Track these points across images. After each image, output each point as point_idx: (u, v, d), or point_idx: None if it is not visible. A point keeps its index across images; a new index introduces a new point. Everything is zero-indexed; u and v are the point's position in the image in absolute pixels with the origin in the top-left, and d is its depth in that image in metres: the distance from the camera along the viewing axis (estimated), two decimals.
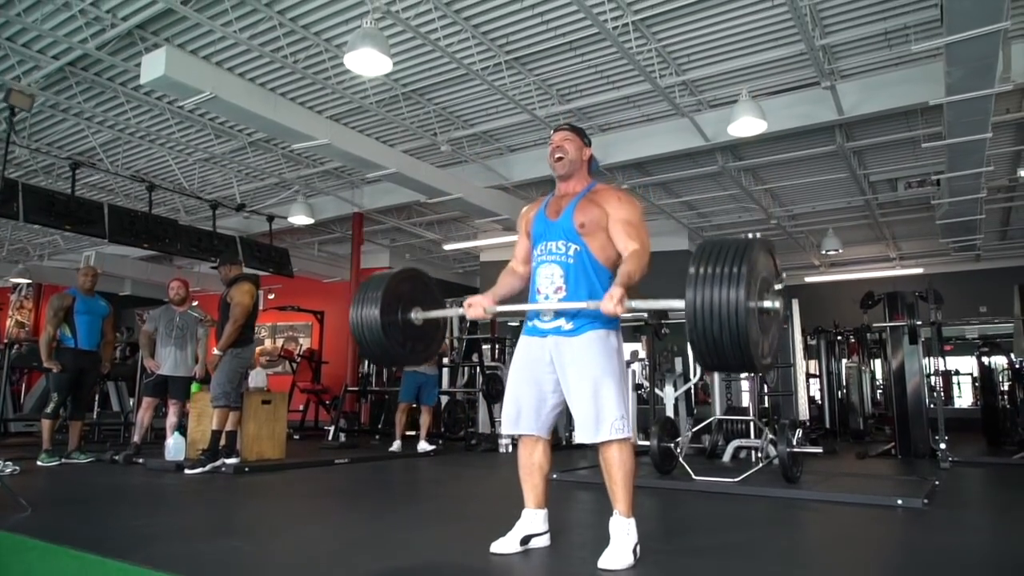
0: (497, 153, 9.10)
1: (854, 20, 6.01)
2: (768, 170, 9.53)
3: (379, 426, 8.90)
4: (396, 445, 6.91)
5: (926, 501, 3.75)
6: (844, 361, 10.37)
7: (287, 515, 3.66)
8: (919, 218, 11.45)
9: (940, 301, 6.43)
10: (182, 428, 5.82)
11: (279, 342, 14.28)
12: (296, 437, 8.67)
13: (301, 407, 11.54)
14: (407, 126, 7.89)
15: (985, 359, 8.71)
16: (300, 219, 9.59)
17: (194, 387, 5.96)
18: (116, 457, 5.67)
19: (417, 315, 2.83)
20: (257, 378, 5.98)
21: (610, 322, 2.50)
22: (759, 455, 4.77)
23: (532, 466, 2.62)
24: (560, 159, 2.63)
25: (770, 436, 4.67)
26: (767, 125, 6.55)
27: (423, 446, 6.90)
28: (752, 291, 1.95)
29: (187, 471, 4.94)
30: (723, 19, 6.00)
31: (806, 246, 13.13)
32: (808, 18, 5.63)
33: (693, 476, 4.54)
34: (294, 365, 11.93)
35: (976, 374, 11.02)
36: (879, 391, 10.73)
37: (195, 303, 6.35)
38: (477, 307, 2.67)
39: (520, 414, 2.58)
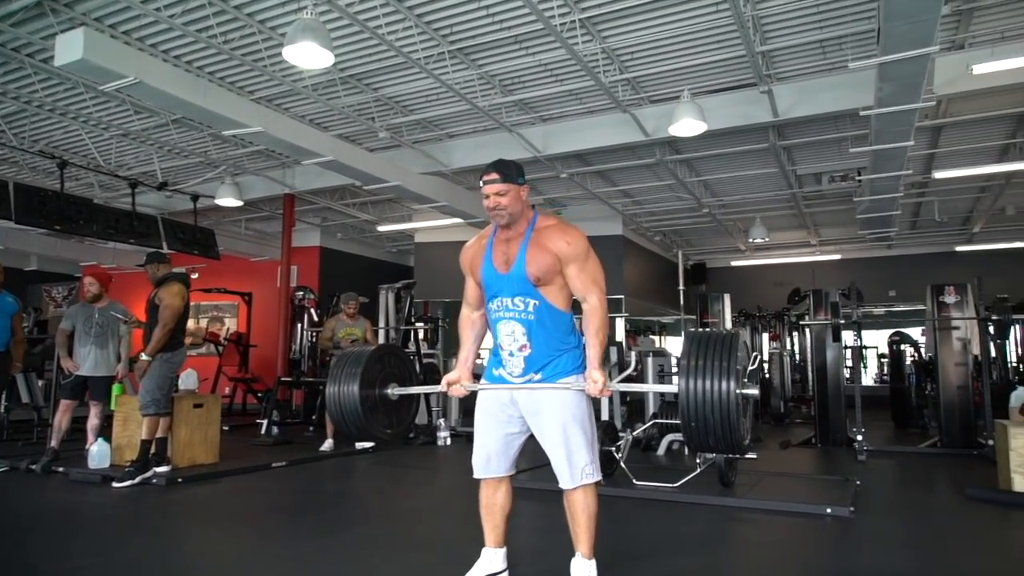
0: (436, 139, 8.93)
1: (792, 29, 6.14)
2: (702, 163, 9.74)
3: (313, 416, 8.70)
4: (328, 444, 6.71)
5: (852, 509, 3.99)
6: (767, 345, 10.83)
7: (227, 544, 3.53)
8: (839, 210, 12.00)
9: (861, 299, 6.77)
10: (105, 434, 5.53)
11: (203, 323, 13.74)
12: (225, 428, 8.39)
13: (227, 391, 11.22)
14: (344, 111, 7.61)
15: (895, 347, 9.27)
16: (228, 201, 9.17)
17: (116, 388, 5.66)
18: (33, 466, 5.35)
19: (394, 391, 2.82)
20: (188, 380, 5.72)
21: (578, 367, 2.51)
22: (699, 457, 4.92)
23: (494, 506, 2.62)
24: (500, 215, 2.52)
25: None
26: (707, 126, 6.65)
27: (359, 443, 6.79)
28: (739, 380, 2.04)
29: (115, 484, 4.71)
30: (668, 21, 6.01)
31: (733, 232, 13.55)
32: (750, 25, 5.72)
33: (634, 481, 4.66)
34: (220, 348, 11.53)
35: (883, 351, 11.74)
36: (797, 374, 11.27)
37: (117, 303, 5.97)
38: (458, 388, 2.64)
39: (489, 459, 2.57)
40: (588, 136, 8.26)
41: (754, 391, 2.16)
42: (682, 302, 11.42)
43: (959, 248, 13.48)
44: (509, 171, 2.55)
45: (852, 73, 6.85)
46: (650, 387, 2.18)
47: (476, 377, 2.69)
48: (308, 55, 4.98)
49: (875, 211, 9.42)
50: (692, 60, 6.66)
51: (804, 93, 7.12)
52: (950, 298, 6.64)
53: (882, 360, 12.94)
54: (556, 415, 2.44)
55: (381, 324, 9.30)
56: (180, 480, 4.91)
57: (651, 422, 5.49)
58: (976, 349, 6.63)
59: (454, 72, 6.74)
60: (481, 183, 2.57)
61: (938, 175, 8.63)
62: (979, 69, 5.69)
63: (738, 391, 2.08)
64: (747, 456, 4.97)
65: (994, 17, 5.86)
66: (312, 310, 10.09)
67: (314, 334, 9.84)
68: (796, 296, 7.97)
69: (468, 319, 2.74)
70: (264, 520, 4.17)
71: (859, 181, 9.75)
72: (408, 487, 5.27)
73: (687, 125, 6.56)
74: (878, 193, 8.50)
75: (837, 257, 14.33)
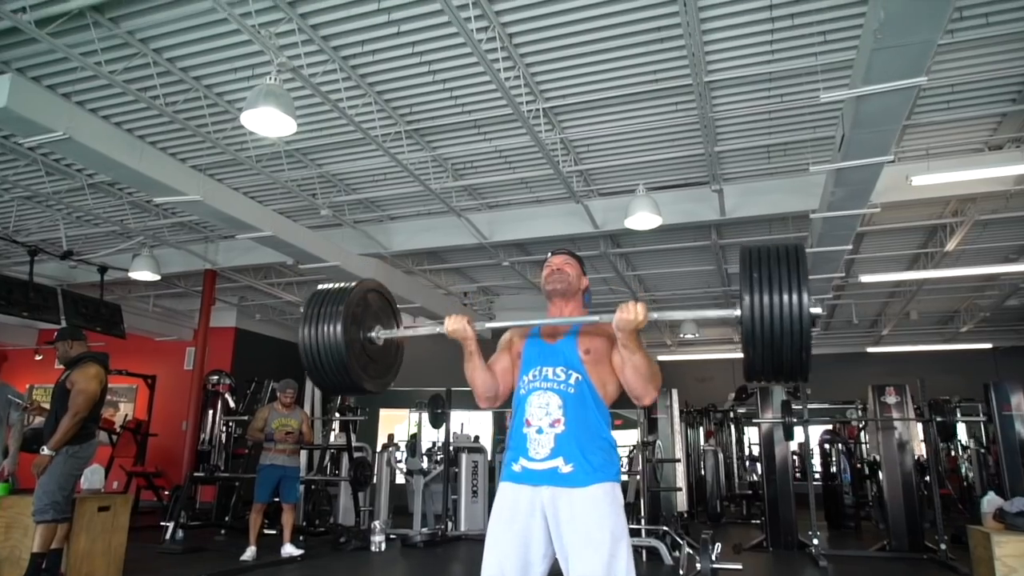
0: (377, 220, 8.63)
1: (743, 133, 6.39)
2: (640, 257, 9.87)
3: (226, 518, 7.74)
4: (249, 552, 5.87)
5: None
6: (702, 444, 10.76)
7: None
8: None
9: (806, 396, 6.80)
10: None
11: None
12: None
13: (115, 485, 9.97)
14: (287, 186, 7.23)
15: (827, 446, 9.39)
16: (143, 275, 8.40)
17: (1, 488, 4.78)
18: None
19: (379, 334, 2.42)
20: (93, 477, 4.91)
21: (615, 471, 2.19)
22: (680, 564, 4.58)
23: None
24: (559, 279, 2.38)
25: (688, 551, 4.53)
26: (662, 220, 6.70)
27: (288, 550, 6.01)
28: (809, 296, 1.92)
29: None
30: (628, 117, 6.11)
31: (661, 327, 13.75)
32: (710, 127, 5.88)
33: None
34: (114, 437, 10.31)
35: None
36: (734, 471, 11.22)
37: (9, 385, 5.16)
38: (459, 320, 2.34)
39: None
40: (535, 225, 8.20)
41: (820, 309, 2.03)
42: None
43: (870, 349, 14.17)
44: (579, 257, 2.49)
45: (792, 178, 7.21)
46: (703, 314, 2.07)
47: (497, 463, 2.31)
48: (268, 122, 4.65)
49: None
50: (646, 156, 6.80)
51: (748, 194, 7.37)
52: (891, 398, 6.78)
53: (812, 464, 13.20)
54: (598, 532, 2.06)
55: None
56: None
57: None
58: (920, 449, 6.73)
59: (409, 152, 6.56)
60: (549, 254, 2.47)
61: (865, 279, 9.05)
62: (917, 181, 6.04)
63: (811, 308, 1.89)
64: (732, 567, 4.72)
65: (923, 135, 6.32)
66: (228, 396, 9.23)
67: (230, 423, 8.96)
68: (743, 394, 7.96)
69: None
70: None
71: None
72: None
73: (642, 219, 6.59)
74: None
75: None
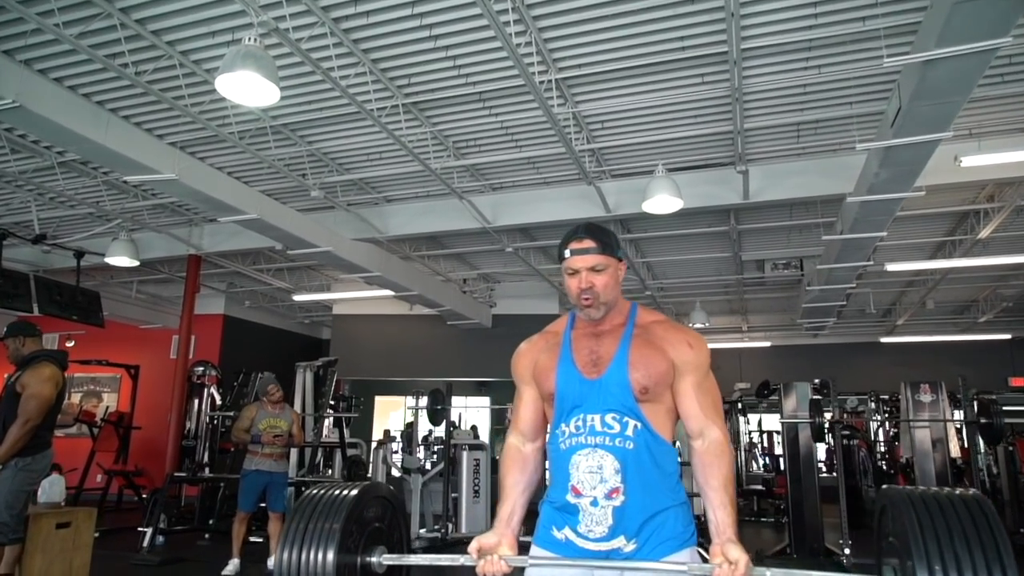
0: (372, 203, 8.07)
1: (772, 109, 5.85)
2: (652, 243, 9.34)
3: (210, 521, 7.24)
4: (232, 566, 5.35)
5: None
6: None
7: None
8: (775, 297, 11.95)
9: (836, 394, 6.32)
10: None
11: (76, 398, 11.84)
12: (95, 535, 6.83)
13: (99, 478, 9.48)
14: (274, 165, 6.65)
15: (848, 441, 8.92)
16: (120, 260, 7.83)
17: None
18: None
19: (382, 559, 1.86)
20: (52, 490, 4.39)
21: (693, 535, 1.68)
22: None
23: None
24: (590, 305, 1.74)
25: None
26: (683, 203, 6.16)
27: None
28: None
29: None
30: (648, 90, 5.56)
31: (669, 316, 13.24)
32: (739, 102, 5.33)
33: None
34: (94, 430, 9.82)
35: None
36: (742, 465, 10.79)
37: None
38: (496, 564, 1.66)
39: None
40: (541, 209, 7.65)
41: None
42: None
43: (883, 339, 13.72)
44: (607, 240, 1.77)
45: (822, 159, 6.67)
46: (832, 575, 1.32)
47: (523, 547, 1.79)
48: (247, 89, 4.09)
49: (823, 300, 9.26)
50: (666, 134, 6.24)
51: (773, 176, 6.83)
52: (926, 396, 6.31)
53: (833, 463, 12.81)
54: None
55: (297, 407, 8.07)
56: None
57: None
58: (955, 450, 6.26)
59: (407, 128, 5.98)
60: (567, 252, 1.76)
61: (891, 267, 8.55)
62: (968, 161, 5.51)
63: None
64: None
65: (971, 111, 5.76)
66: (213, 389, 8.71)
67: (216, 418, 8.44)
68: (765, 389, 7.48)
69: (518, 453, 1.85)
70: None
71: (801, 267, 9.68)
72: None
73: (661, 202, 6.05)
74: (833, 283, 8.30)
75: (766, 344, 14.28)
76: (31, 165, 6.91)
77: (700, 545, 1.70)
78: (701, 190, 6.93)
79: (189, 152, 6.41)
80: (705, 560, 1.60)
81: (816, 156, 6.63)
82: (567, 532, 1.67)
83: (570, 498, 1.66)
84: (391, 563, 1.89)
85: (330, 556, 1.79)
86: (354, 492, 1.90)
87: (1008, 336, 13.07)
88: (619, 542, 1.62)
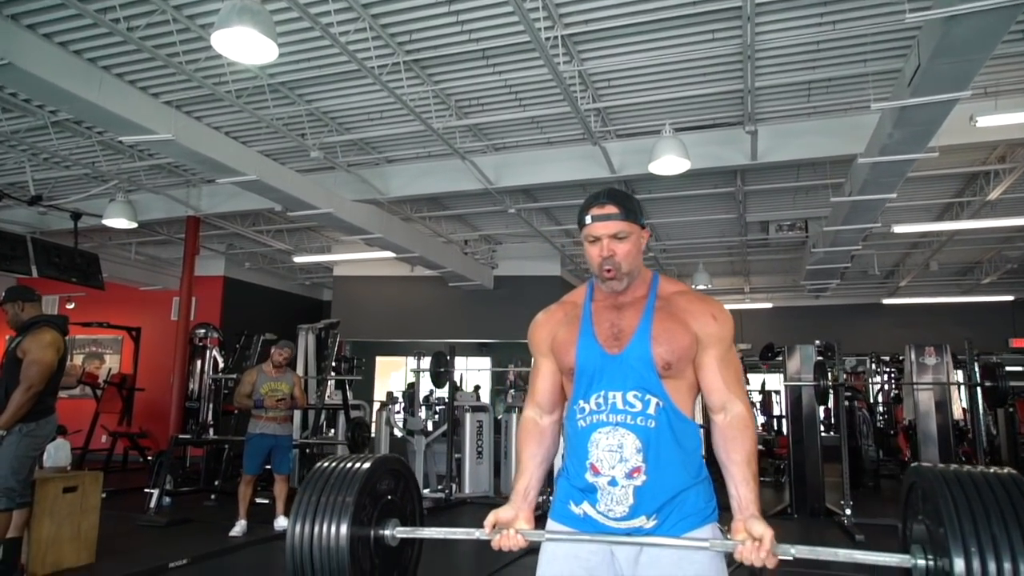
0: (373, 163, 7.93)
1: (782, 67, 5.69)
2: (656, 204, 9.22)
3: (216, 482, 7.29)
4: (240, 527, 5.42)
5: None
6: None
7: None
8: (778, 258, 11.88)
9: (840, 356, 6.30)
10: None
11: (78, 360, 11.85)
12: (102, 496, 6.90)
13: (104, 439, 9.55)
14: (272, 124, 6.50)
15: (849, 402, 8.96)
16: (118, 222, 7.72)
17: None
18: None
19: (395, 532, 1.81)
20: (58, 454, 4.39)
21: (714, 511, 1.65)
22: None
23: None
24: (612, 277, 1.65)
25: None
26: (690, 164, 6.04)
27: (282, 523, 5.53)
28: None
29: None
30: (656, 47, 5.39)
31: (670, 275, 13.18)
32: (750, 59, 5.18)
33: None
34: (98, 392, 9.84)
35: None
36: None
37: None
38: (513, 538, 1.63)
39: None
40: (545, 169, 7.51)
41: None
42: None
43: (885, 301, 13.69)
44: (631, 206, 1.67)
45: (832, 119, 6.53)
46: (864, 555, 1.25)
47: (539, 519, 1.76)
48: (244, 46, 3.95)
49: (827, 262, 9.19)
50: (673, 93, 6.09)
51: (781, 136, 6.70)
52: (930, 359, 6.29)
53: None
54: None
55: (300, 371, 8.06)
56: None
57: None
58: (957, 413, 6.27)
59: (409, 87, 5.82)
60: (588, 218, 1.66)
61: (898, 229, 8.45)
62: (984, 121, 5.37)
63: None
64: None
65: (987, 70, 5.60)
66: (215, 351, 8.69)
67: (219, 380, 8.44)
68: (769, 352, 7.47)
69: (534, 426, 1.80)
70: None
71: (806, 228, 9.59)
72: None
73: (668, 163, 5.93)
74: (839, 245, 8.22)
75: (768, 305, 14.26)
76: (23, 124, 6.76)
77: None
78: (708, 150, 6.80)
79: (185, 111, 6.25)
80: (727, 537, 1.57)
81: (827, 116, 6.48)
82: (585, 507, 1.64)
83: (588, 476, 1.62)
84: (404, 536, 1.86)
85: (343, 529, 1.76)
86: (367, 465, 1.86)
87: (1011, 298, 13.05)
88: (640, 521, 1.59)
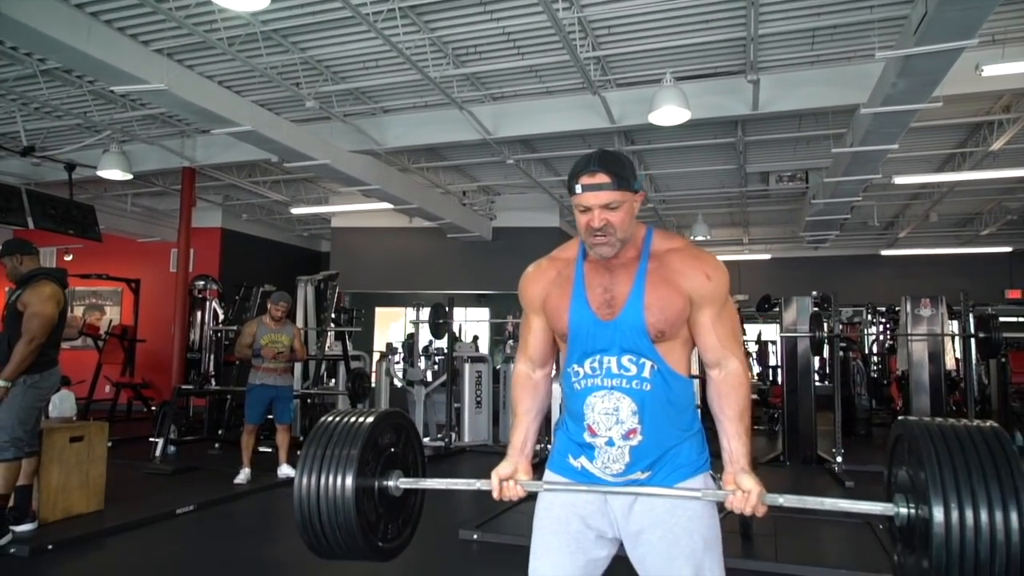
0: (369, 113, 7.82)
1: (786, 14, 5.56)
2: (655, 154, 9.14)
3: (220, 431, 7.42)
4: (243, 475, 5.56)
5: None
6: None
7: None
8: (777, 210, 11.84)
9: (837, 308, 6.34)
10: None
11: (79, 311, 11.90)
12: (109, 444, 7.03)
13: (107, 389, 9.69)
14: (266, 73, 6.38)
15: (843, 352, 9.06)
16: (112, 173, 7.65)
17: None
18: None
19: (398, 483, 1.85)
20: (63, 405, 4.46)
21: (706, 462, 1.69)
22: None
23: None
24: (607, 243, 1.60)
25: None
26: (690, 114, 5.97)
27: (285, 471, 5.66)
28: None
29: None
30: None
31: (670, 229, 13.16)
32: (754, 5, 5.06)
33: None
34: (100, 343, 9.92)
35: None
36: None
37: None
38: (513, 488, 1.69)
39: None
40: (544, 119, 7.41)
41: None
42: None
43: (884, 252, 13.70)
44: (622, 170, 1.58)
45: (836, 67, 6.42)
46: (849, 503, 1.31)
47: (536, 467, 1.80)
48: None
49: (827, 213, 9.16)
50: (675, 40, 5.95)
51: (783, 86, 6.58)
52: (926, 311, 6.34)
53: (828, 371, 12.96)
54: (682, 542, 1.61)
55: (299, 322, 8.12)
56: (51, 546, 3.71)
57: None
58: (950, 363, 6.36)
59: (404, 35, 5.70)
60: (578, 187, 1.59)
61: (899, 180, 8.40)
62: (989, 70, 5.28)
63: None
64: None
65: (992, 17, 5.48)
66: (214, 303, 8.73)
67: (220, 332, 8.50)
68: (766, 303, 7.52)
69: (528, 380, 1.83)
70: None
71: (806, 179, 9.53)
72: None
73: (668, 113, 5.85)
74: (839, 196, 8.18)
75: (767, 257, 14.27)
76: (11, 73, 6.63)
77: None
78: (709, 100, 6.70)
79: (177, 60, 6.13)
80: (719, 486, 1.61)
81: (830, 64, 6.36)
82: (583, 461, 1.68)
83: (586, 436, 1.65)
84: (407, 487, 1.90)
85: (349, 480, 1.79)
86: (370, 420, 1.89)
87: (1009, 249, 13.06)
88: (635, 475, 1.63)
